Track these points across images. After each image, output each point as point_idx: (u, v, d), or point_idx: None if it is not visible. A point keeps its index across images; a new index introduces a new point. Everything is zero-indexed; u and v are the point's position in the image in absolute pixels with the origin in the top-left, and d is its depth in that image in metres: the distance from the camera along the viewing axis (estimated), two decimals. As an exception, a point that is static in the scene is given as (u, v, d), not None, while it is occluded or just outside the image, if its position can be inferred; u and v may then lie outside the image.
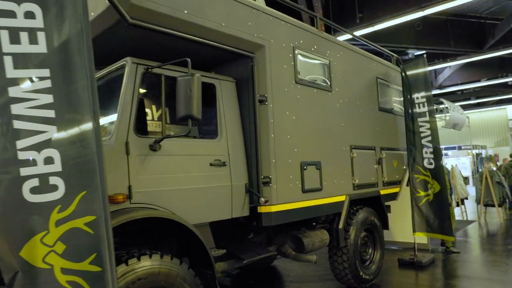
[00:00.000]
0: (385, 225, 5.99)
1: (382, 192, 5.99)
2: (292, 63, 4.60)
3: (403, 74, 6.58)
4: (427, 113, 6.30)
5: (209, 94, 4.10)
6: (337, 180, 5.05)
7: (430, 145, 6.29)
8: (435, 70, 17.32)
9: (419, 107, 6.39)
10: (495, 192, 9.71)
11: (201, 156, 3.79)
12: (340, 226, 5.05)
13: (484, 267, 6.12)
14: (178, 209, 3.49)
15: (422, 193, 6.48)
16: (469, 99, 20.96)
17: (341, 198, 5.11)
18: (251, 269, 6.46)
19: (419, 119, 6.41)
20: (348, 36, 10.42)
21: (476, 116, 24.77)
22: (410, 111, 6.51)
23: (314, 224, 5.12)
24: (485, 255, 6.88)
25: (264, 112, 4.23)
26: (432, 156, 6.30)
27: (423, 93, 6.31)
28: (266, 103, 4.23)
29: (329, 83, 5.14)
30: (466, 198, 10.59)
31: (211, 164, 3.84)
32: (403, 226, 7.44)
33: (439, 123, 9.65)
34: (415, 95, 6.41)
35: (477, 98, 21.31)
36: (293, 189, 4.37)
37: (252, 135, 4.20)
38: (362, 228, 5.36)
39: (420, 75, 6.38)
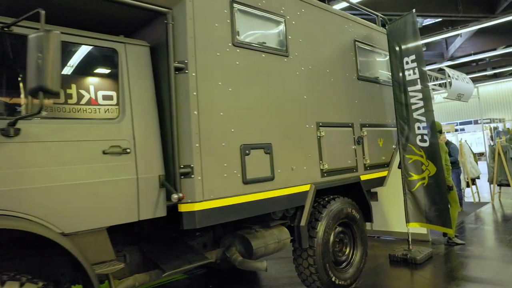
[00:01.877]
0: (368, 217, 4.86)
1: (364, 177, 4.84)
2: (228, 20, 3.48)
3: (389, 36, 5.31)
4: (418, 80, 5.04)
5: (109, 62, 3.06)
6: (298, 166, 3.95)
7: (423, 118, 5.05)
8: (445, 40, 15.66)
9: (410, 74, 5.14)
10: (510, 170, 8.31)
11: (89, 142, 2.78)
12: (302, 223, 3.96)
13: (494, 264, 4.91)
14: (53, 212, 2.52)
15: (416, 177, 5.29)
16: (484, 70, 19.05)
17: (304, 188, 4.00)
18: (218, 269, 5.48)
19: (409, 88, 5.16)
20: (344, 4, 9.14)
21: (493, 88, 22.76)
22: (399, 79, 5.26)
23: (270, 220, 4.04)
24: (496, 248, 5.65)
25: (184, 83, 3.16)
26: (425, 132, 5.07)
27: (413, 56, 5.04)
28: (187, 71, 3.15)
29: (285, 47, 3.98)
30: (478, 178, 9.23)
31: (104, 152, 2.82)
32: (398, 214, 6.23)
33: (442, 95, 8.30)
34: (404, 60, 5.15)
35: (493, 68, 19.34)
36: (228, 180, 3.31)
37: (174, 113, 3.14)
38: (335, 223, 4.25)
39: (408, 35, 5.10)
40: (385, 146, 5.29)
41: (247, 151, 3.46)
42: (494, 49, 15.65)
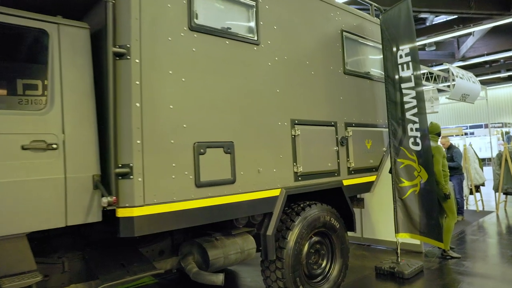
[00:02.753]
0: (350, 226, 4.37)
1: (347, 182, 4.35)
2: (184, 1, 3.03)
3: (382, 25, 4.79)
4: (412, 77, 4.51)
5: (37, 45, 2.66)
6: (265, 168, 3.49)
7: (416, 119, 4.53)
8: (457, 40, 14.90)
9: (403, 69, 4.61)
10: (518, 178, 7.68)
11: (4, 136, 2.37)
12: (269, 232, 3.50)
13: (490, 284, 4.38)
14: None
15: (407, 183, 4.77)
16: (498, 72, 18.17)
17: (273, 192, 3.55)
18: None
19: (403, 85, 4.64)
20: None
21: (507, 91, 21.77)
22: (392, 74, 4.74)
23: (234, 228, 3.60)
24: (496, 264, 5.10)
25: (125, 71, 2.74)
26: (418, 134, 4.55)
27: (407, 49, 4.51)
28: (129, 57, 2.73)
29: (255, 34, 3.52)
30: (483, 185, 8.60)
31: (24, 148, 2.42)
32: (390, 223, 5.70)
33: (444, 94, 7.72)
34: (398, 53, 4.63)
35: (508, 70, 18.44)
36: (177, 182, 2.87)
37: (111, 105, 2.72)
38: (309, 232, 3.78)
39: (403, 25, 4.57)
40: (374, 149, 4.79)
41: (201, 150, 3.02)
42: (509, 50, 14.83)
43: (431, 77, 8.80)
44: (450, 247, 5.59)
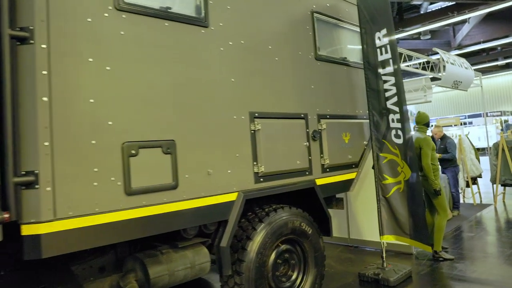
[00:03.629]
0: (326, 231, 3.87)
1: (321, 181, 3.84)
2: (109, -26, 2.52)
3: (360, 5, 4.26)
4: (391, 61, 3.99)
5: None
6: (217, 169, 2.99)
7: (397, 109, 4.01)
8: (453, 28, 14.29)
9: (381, 53, 4.09)
10: (517, 169, 7.13)
11: None
12: (223, 243, 3.00)
13: None
14: None
15: (391, 180, 4.26)
16: (496, 59, 17.52)
17: (227, 197, 3.05)
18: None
19: (381, 71, 4.11)
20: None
21: (506, 79, 21.09)
22: (370, 59, 4.22)
23: (182, 239, 3.10)
24: (493, 265, 4.58)
25: (27, 58, 2.23)
26: (399, 125, 4.03)
27: (384, 30, 3.99)
28: (32, 41, 2.22)
29: (203, 15, 3.01)
30: (480, 176, 8.06)
31: None
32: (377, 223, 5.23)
33: (435, 82, 7.19)
34: (376, 35, 4.10)
35: (506, 58, 17.78)
36: (101, 190, 2.38)
37: (8, 99, 2.22)
38: (275, 240, 3.29)
39: (380, 3, 4.03)
40: (353, 142, 4.27)
41: (132, 151, 2.52)
42: (506, 36, 14.20)
43: (428, 66, 8.25)
44: (443, 248, 5.09)
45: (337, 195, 4.44)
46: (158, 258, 2.87)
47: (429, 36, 14.18)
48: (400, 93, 3.93)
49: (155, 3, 2.74)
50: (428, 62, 8.08)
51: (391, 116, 4.09)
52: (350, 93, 4.34)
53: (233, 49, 3.18)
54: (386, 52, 3.99)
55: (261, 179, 3.29)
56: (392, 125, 4.12)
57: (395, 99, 3.99)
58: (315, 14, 3.99)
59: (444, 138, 6.90)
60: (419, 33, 13.82)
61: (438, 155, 7.06)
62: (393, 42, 3.93)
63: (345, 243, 5.83)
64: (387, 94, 4.08)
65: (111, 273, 3.04)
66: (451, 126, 12.52)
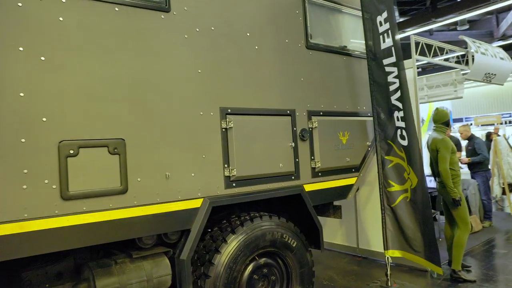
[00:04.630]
0: (316, 243, 3.52)
1: (310, 187, 3.50)
2: (48, -49, 2.33)
3: (362, -12, 3.86)
4: (392, 49, 3.57)
5: None
6: (179, 172, 2.73)
7: (400, 105, 3.59)
8: (496, 16, 13.26)
9: (384, 40, 3.68)
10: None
11: None
12: (183, 255, 2.74)
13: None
14: None
15: (397, 187, 3.85)
16: (549, 51, 16.07)
17: (190, 203, 2.79)
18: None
19: (384, 61, 3.71)
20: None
21: None
22: (374, 47, 3.81)
23: (138, 249, 2.86)
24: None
25: None
26: (403, 124, 3.61)
27: (385, 13, 3.58)
28: None
29: (164, -3, 2.76)
30: (519, 183, 7.32)
31: None
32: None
33: (460, 75, 6.57)
34: (377, 19, 3.69)
35: (561, 49, 16.28)
36: (31, 194, 2.19)
37: None
38: (249, 254, 2.99)
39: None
40: (352, 143, 3.88)
41: (71, 151, 2.31)
42: (560, 24, 12.96)
43: (464, 60, 7.59)
44: (464, 266, 4.56)
45: (335, 203, 4.06)
46: (111, 269, 2.66)
47: (467, 27, 13.22)
48: (403, 86, 3.51)
49: (105, -15, 2.52)
50: (464, 56, 7.43)
51: (395, 113, 3.68)
52: (350, 87, 3.95)
53: (200, 37, 2.91)
54: (388, 38, 3.57)
55: (233, 184, 3.00)
56: (397, 123, 3.70)
57: (398, 93, 3.57)
58: (307, -3, 3.64)
59: (471, 138, 6.30)
60: (456, 23, 12.92)
61: (467, 159, 6.46)
62: (394, 26, 3.51)
63: (353, 252, 5.44)
64: (391, 87, 3.67)
65: (69, 280, 2.88)
66: (492, 124, 11.57)
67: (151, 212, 2.60)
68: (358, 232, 5.40)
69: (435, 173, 4.57)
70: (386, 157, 3.88)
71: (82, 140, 2.36)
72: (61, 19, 2.35)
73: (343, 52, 3.92)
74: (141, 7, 2.65)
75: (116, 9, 2.55)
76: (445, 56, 8.77)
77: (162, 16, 2.74)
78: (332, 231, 5.81)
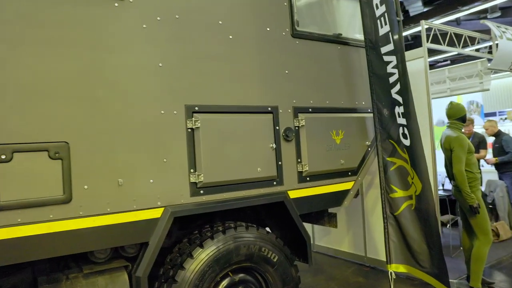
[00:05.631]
0: (304, 256, 3.23)
1: (296, 194, 3.20)
2: None
3: (357, -33, 3.51)
4: (390, 34, 3.21)
5: None
6: (136, 178, 2.51)
7: (400, 99, 3.22)
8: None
9: (381, 25, 3.31)
10: None
11: None
12: (140, 272, 2.52)
13: None
14: None
15: (401, 193, 3.49)
16: None
17: (149, 214, 2.56)
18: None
19: (382, 50, 3.35)
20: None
21: None
22: (373, 35, 3.45)
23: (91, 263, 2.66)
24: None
25: None
26: (404, 122, 3.25)
27: None
28: None
29: (118, -18, 2.54)
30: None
31: None
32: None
33: (486, 65, 6.03)
34: (374, 2, 3.33)
35: None
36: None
37: None
38: (220, 270, 2.74)
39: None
40: (348, 143, 3.54)
41: (3, 156, 2.13)
42: None
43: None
44: (485, 283, 4.14)
45: (330, 210, 3.74)
46: (60, 284, 2.48)
47: (499, 14, 12.35)
48: (403, 78, 3.14)
49: (47, -30, 2.32)
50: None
51: (396, 108, 3.31)
52: (346, 80, 3.61)
53: (161, 26, 2.67)
54: (386, 23, 3.21)
55: (201, 191, 2.75)
56: (398, 120, 3.34)
57: (398, 86, 3.20)
58: (294, -21, 3.33)
59: (499, 135, 5.77)
60: (486, 10, 12.10)
61: (493, 159, 5.95)
62: (390, 9, 3.14)
63: (360, 261, 5.12)
64: (391, 79, 3.30)
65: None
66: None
67: (100, 223, 2.38)
68: (366, 240, 5.06)
69: (450, 175, 4.16)
70: (388, 159, 3.52)
71: (17, 144, 2.17)
72: (-6, 8, 2.17)
73: (337, 40, 3.58)
74: (87, -6, 2.43)
75: (59, -4, 2.35)
76: (476, 47, 8.15)
77: (116, 4, 2.52)
78: (339, 237, 5.49)
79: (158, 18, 2.67)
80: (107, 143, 2.42)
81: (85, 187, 2.35)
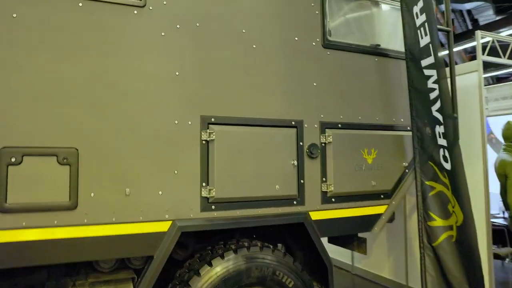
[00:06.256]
0: (325, 282, 3.01)
1: (318, 215, 3.01)
2: None
3: (400, -28, 3.29)
4: (430, 47, 2.94)
5: None
6: (144, 188, 2.49)
7: (440, 117, 2.93)
8: None
9: (422, 36, 3.05)
10: None
11: None
12: (143, 287, 2.47)
13: None
14: None
15: (440, 222, 3.17)
16: None
17: (156, 227, 2.52)
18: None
19: (423, 63, 3.08)
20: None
21: None
22: (412, 46, 3.20)
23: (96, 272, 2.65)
24: None
25: None
26: (445, 143, 2.94)
27: (420, 2, 2.96)
28: None
29: (139, -10, 2.57)
30: None
31: None
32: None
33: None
34: (414, 9, 3.09)
35: None
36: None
37: None
38: (227, 291, 2.62)
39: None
40: (381, 163, 3.28)
41: (13, 159, 2.20)
42: None
43: None
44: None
45: (360, 234, 3.48)
46: (68, 292, 2.50)
47: None
48: (443, 95, 2.85)
49: (70, -22, 2.40)
50: None
51: (437, 128, 3.02)
52: (383, 94, 3.37)
53: (181, 34, 2.65)
54: (426, 34, 2.95)
55: (212, 207, 2.66)
56: (439, 141, 3.04)
57: (437, 103, 2.92)
58: (327, -14, 3.18)
59: None
60: None
61: None
62: (431, 18, 2.88)
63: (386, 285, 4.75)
64: (431, 95, 3.02)
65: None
66: None
67: (105, 233, 2.38)
68: (407, 267, 4.69)
69: (505, 204, 3.73)
70: (427, 183, 3.21)
71: (28, 148, 2.23)
72: (14, 15, 2.27)
73: (375, 51, 3.36)
74: (109, 2, 2.47)
75: (80, 4, 2.41)
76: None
77: (135, 12, 2.54)
78: (379, 262, 5.15)
79: (178, 26, 2.65)
80: (117, 151, 2.43)
81: (92, 194, 2.36)
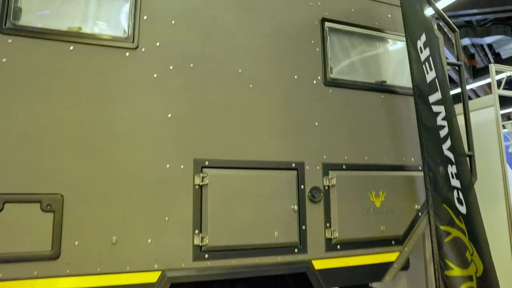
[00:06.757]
0: None
1: (322, 264, 2.81)
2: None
3: (404, 7, 3.22)
4: (436, 81, 2.81)
5: None
6: (132, 236, 2.38)
7: (452, 156, 2.75)
8: None
9: (427, 71, 2.94)
10: None
11: None
12: None
13: None
14: None
15: (458, 271, 2.90)
16: None
17: (143, 277, 2.38)
18: None
19: (430, 99, 2.94)
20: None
21: None
22: (420, 82, 3.08)
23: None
24: None
25: None
26: (458, 184, 2.74)
27: (423, 37, 2.87)
28: None
29: (129, 33, 2.57)
30: None
31: None
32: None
33: None
34: (417, 44, 2.99)
35: None
36: None
37: None
38: None
39: (414, 2, 2.95)
40: (390, 206, 3.09)
41: (-9, 207, 2.14)
42: None
43: None
44: None
45: (371, 284, 3.24)
46: None
47: None
48: (453, 132, 2.69)
49: (55, 22, 2.43)
50: None
51: (449, 168, 2.83)
52: (391, 133, 3.23)
53: (173, 75, 2.62)
54: (431, 69, 2.83)
55: (205, 256, 2.52)
56: (452, 182, 2.84)
57: (448, 142, 2.75)
58: (327, 24, 3.14)
59: None
60: None
61: None
62: (435, 52, 2.76)
63: None
64: (441, 133, 2.86)
65: None
66: None
67: (89, 284, 2.26)
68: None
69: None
70: (442, 228, 2.98)
71: (9, 195, 2.18)
72: (4, 60, 2.29)
73: (380, 88, 3.26)
74: (99, 45, 2.48)
75: (71, 48, 2.42)
76: None
77: (127, 54, 2.54)
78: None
79: (171, 67, 2.63)
80: (104, 197, 2.35)
81: (76, 243, 2.26)
